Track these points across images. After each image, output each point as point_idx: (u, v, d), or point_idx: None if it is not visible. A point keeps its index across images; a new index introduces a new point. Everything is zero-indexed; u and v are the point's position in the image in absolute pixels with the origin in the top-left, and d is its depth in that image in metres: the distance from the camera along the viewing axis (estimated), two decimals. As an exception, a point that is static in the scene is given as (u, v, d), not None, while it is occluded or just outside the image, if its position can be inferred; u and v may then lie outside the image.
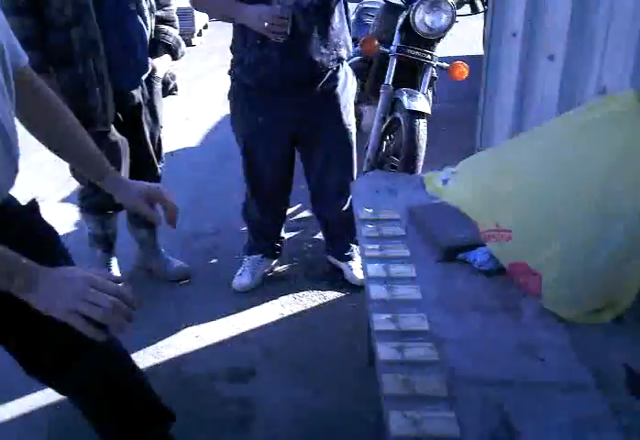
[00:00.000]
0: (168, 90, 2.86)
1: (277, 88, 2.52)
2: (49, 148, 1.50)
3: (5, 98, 1.26)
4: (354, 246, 2.96)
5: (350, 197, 2.53)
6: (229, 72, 2.64)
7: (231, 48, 2.59)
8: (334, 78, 2.59)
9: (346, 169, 2.77)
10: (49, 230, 1.52)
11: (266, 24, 2.23)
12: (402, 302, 1.47)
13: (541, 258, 1.38)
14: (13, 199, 1.41)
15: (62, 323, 1.12)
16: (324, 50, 2.48)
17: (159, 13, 2.66)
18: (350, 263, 2.97)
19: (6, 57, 1.26)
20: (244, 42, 2.48)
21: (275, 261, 3.07)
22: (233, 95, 2.68)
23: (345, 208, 2.82)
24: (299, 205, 3.65)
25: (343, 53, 2.57)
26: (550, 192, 1.38)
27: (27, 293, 1.10)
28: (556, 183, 1.38)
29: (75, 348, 1.49)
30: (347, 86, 2.68)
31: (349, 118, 2.71)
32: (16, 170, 1.34)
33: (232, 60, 2.61)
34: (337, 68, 2.59)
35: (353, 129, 2.75)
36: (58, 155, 1.51)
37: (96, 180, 1.52)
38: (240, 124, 2.70)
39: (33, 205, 1.47)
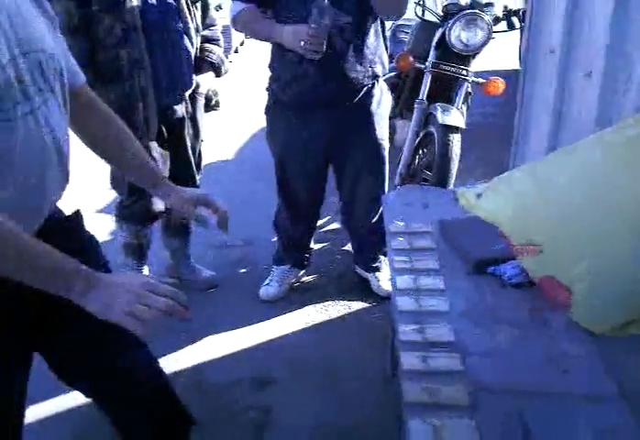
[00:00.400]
0: (210, 105, 2.95)
1: (313, 104, 2.56)
2: (106, 161, 1.58)
3: (63, 116, 1.31)
4: (382, 257, 2.97)
5: (381, 210, 2.58)
6: (267, 89, 2.70)
7: (269, 65, 2.65)
8: (369, 95, 2.62)
9: (377, 183, 2.79)
10: (91, 240, 1.57)
11: (302, 43, 2.28)
12: (429, 313, 1.47)
13: (571, 274, 1.37)
14: (59, 210, 1.45)
15: (101, 328, 1.17)
16: (359, 68, 2.51)
17: (204, 32, 2.76)
18: (377, 274, 2.98)
19: (65, 77, 1.31)
20: (281, 60, 2.53)
21: (303, 272, 3.09)
22: (270, 111, 2.73)
23: (374, 220, 2.83)
24: (328, 217, 3.67)
25: (378, 70, 2.60)
26: (583, 210, 1.37)
27: (84, 298, 1.13)
28: (589, 201, 1.37)
29: (113, 353, 1.53)
30: (382, 102, 2.71)
31: (383, 134, 2.73)
32: (66, 184, 1.39)
33: (270, 77, 2.67)
34: (373, 84, 2.62)
35: (386, 144, 2.77)
36: (114, 166, 1.61)
37: (150, 188, 1.59)
38: (276, 139, 2.75)
39: (77, 216, 1.51)
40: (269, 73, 2.66)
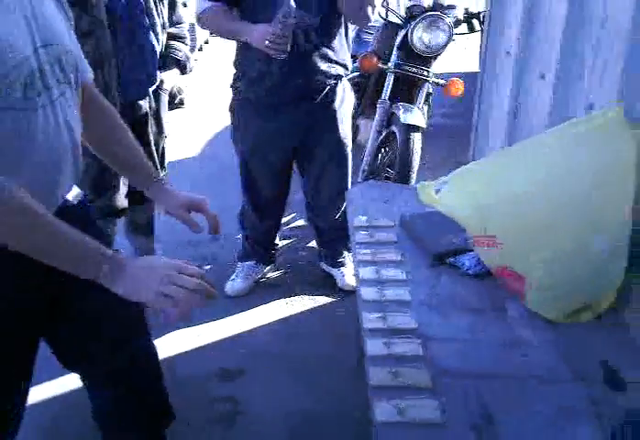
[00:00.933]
0: (175, 103, 2.97)
1: (277, 102, 2.62)
2: (101, 157, 1.58)
3: (77, 109, 1.34)
4: (346, 253, 3.04)
5: (344, 206, 2.61)
6: (232, 86, 2.73)
7: (234, 63, 2.69)
8: (332, 93, 2.68)
9: (340, 179, 2.86)
10: (96, 226, 1.61)
11: (267, 42, 2.32)
12: (392, 302, 1.53)
13: (526, 263, 1.44)
14: (67, 200, 1.46)
15: (107, 315, 1.24)
16: (323, 68, 2.57)
17: (171, 29, 2.78)
18: (342, 270, 3.05)
19: (79, 73, 1.35)
20: (247, 58, 2.58)
21: (268, 267, 3.13)
22: (235, 108, 2.76)
23: (338, 217, 2.91)
24: (294, 214, 3.72)
25: (341, 71, 2.67)
26: (535, 202, 1.44)
27: (113, 281, 1.15)
28: (541, 193, 1.44)
29: (122, 339, 1.58)
30: (345, 101, 2.77)
31: (346, 132, 2.80)
32: (78, 177, 1.41)
33: (235, 75, 2.71)
34: (336, 84, 2.68)
35: (349, 142, 2.84)
36: (107, 162, 1.59)
37: (142, 187, 1.59)
38: (241, 135, 2.79)
39: (84, 202, 1.54)
40: (233, 71, 2.70)
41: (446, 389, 1.22)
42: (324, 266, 3.16)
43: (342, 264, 3.08)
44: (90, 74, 1.48)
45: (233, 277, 3.06)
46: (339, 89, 2.71)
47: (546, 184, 1.46)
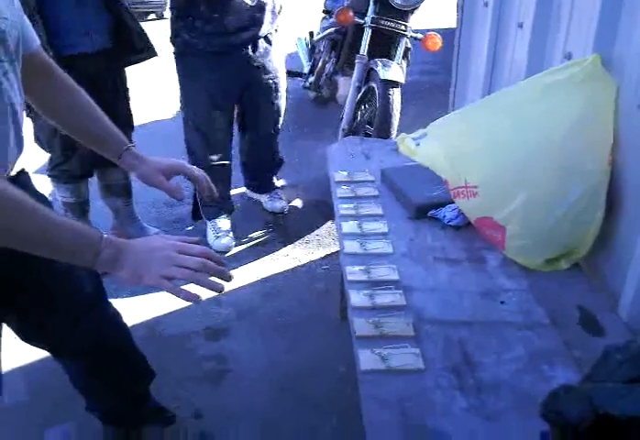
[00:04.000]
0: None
1: (223, 49, 2.78)
2: (63, 129, 1.49)
3: (19, 82, 1.25)
4: (275, 179, 3.36)
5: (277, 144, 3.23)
6: (172, 40, 2.84)
7: (176, 16, 2.78)
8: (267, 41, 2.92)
9: (274, 114, 3.10)
10: (44, 199, 1.51)
11: None
12: (374, 255, 1.54)
13: (505, 212, 1.46)
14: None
15: (72, 283, 1.16)
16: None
17: None
18: (269, 194, 3.34)
19: (21, 44, 1.25)
20: (194, 8, 2.68)
21: (230, 216, 3.20)
22: (181, 57, 2.85)
23: (271, 150, 3.26)
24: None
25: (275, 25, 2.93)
26: (513, 150, 1.45)
27: (113, 267, 1.10)
28: (518, 141, 1.45)
29: (85, 306, 1.56)
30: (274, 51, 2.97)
31: (278, 71, 3.00)
32: (20, 153, 1.34)
33: (176, 29, 2.79)
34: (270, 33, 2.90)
35: (283, 81, 3.07)
36: (72, 135, 1.50)
37: (113, 158, 1.48)
38: (191, 80, 2.87)
39: (24, 175, 1.45)
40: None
41: (427, 336, 1.25)
42: (249, 193, 3.45)
43: (269, 189, 3.35)
44: (36, 40, 1.36)
45: (215, 234, 3.06)
46: (273, 38, 2.95)
47: (524, 132, 1.46)
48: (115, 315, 1.73)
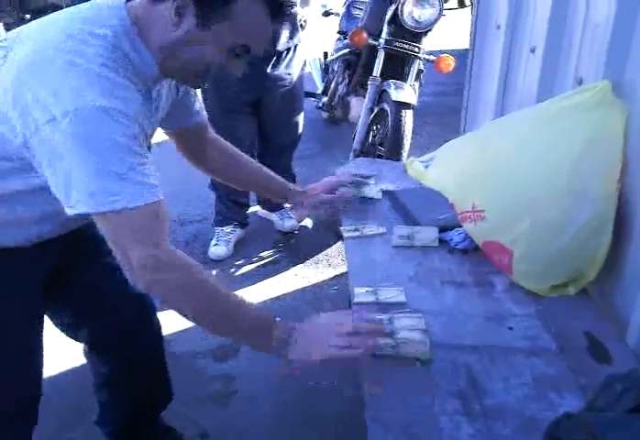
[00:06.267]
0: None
1: None
2: (232, 184, 1.77)
3: None
4: None
5: (291, 159, 3.30)
6: None
7: None
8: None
9: (292, 127, 3.19)
10: None
11: None
12: (381, 277, 1.54)
13: (512, 236, 1.45)
14: None
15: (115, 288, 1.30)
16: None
17: None
18: (281, 212, 3.35)
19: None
20: None
21: (244, 231, 3.26)
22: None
23: (285, 164, 3.28)
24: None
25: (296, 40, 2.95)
26: (521, 174, 1.45)
27: (285, 350, 1.21)
28: (526, 165, 1.45)
29: (134, 308, 1.64)
30: (294, 62, 3.02)
31: (297, 84, 3.07)
32: None
33: None
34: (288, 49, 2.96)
35: (301, 94, 3.18)
36: (240, 188, 1.87)
37: (279, 199, 1.79)
38: (210, 99, 2.89)
39: None
40: None
41: (435, 360, 1.24)
42: (260, 213, 3.45)
43: (281, 207, 3.34)
44: (204, 116, 1.58)
45: (214, 242, 3.15)
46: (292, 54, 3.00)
47: (532, 156, 1.47)
48: (160, 328, 1.77)
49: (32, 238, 1.32)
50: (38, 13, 2.46)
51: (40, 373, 1.50)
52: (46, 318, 1.54)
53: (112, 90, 1.07)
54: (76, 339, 1.69)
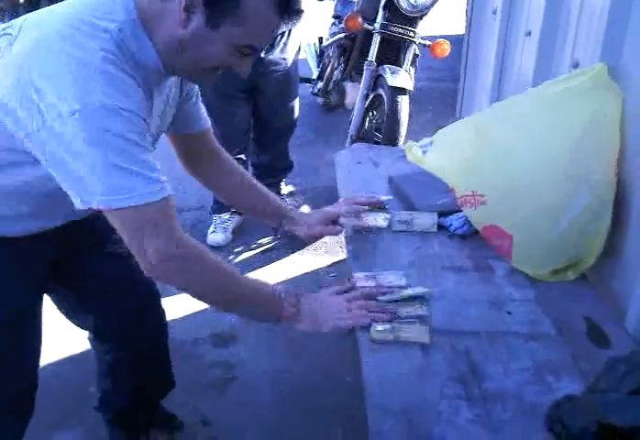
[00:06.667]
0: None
1: None
2: (229, 203, 1.80)
3: None
4: (282, 184, 3.44)
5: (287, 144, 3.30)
6: None
7: None
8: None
9: (286, 109, 3.16)
10: None
11: None
12: (381, 262, 1.54)
13: (511, 220, 1.46)
14: None
15: (132, 270, 1.27)
16: None
17: None
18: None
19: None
20: None
21: (241, 217, 3.24)
22: None
23: (282, 148, 3.32)
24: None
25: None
26: (520, 158, 1.45)
27: (294, 320, 1.33)
28: (526, 150, 1.45)
29: (142, 296, 1.66)
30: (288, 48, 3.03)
31: (291, 68, 3.05)
32: None
33: None
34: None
35: (296, 79, 3.17)
36: (237, 208, 1.85)
37: (273, 224, 1.71)
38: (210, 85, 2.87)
39: None
40: None
41: (433, 345, 1.25)
42: None
43: (278, 194, 3.25)
44: (208, 122, 1.55)
45: (212, 229, 3.16)
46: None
47: (531, 140, 1.47)
48: (164, 317, 1.79)
49: (31, 230, 1.32)
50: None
51: (36, 364, 1.50)
52: (49, 306, 1.55)
53: (115, 86, 1.07)
54: (82, 327, 1.70)
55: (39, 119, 1.05)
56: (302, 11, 1.18)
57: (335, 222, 1.65)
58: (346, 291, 1.40)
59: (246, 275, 1.35)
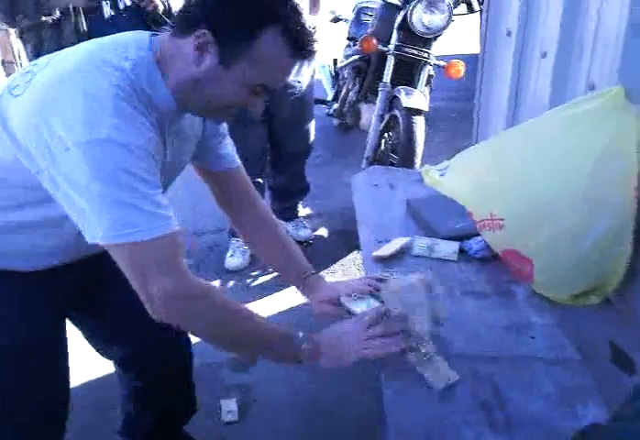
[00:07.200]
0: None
1: None
2: (254, 251, 1.71)
3: None
4: (300, 206, 3.43)
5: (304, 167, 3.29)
6: None
7: None
8: None
9: (302, 133, 3.17)
10: None
11: None
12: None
13: (531, 245, 1.45)
14: None
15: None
16: None
17: None
18: (295, 222, 3.36)
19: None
20: None
21: None
22: None
23: (298, 172, 3.31)
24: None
25: None
26: (539, 183, 1.45)
27: (315, 359, 1.29)
28: (545, 173, 1.45)
29: (169, 336, 1.59)
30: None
31: (306, 90, 3.04)
32: None
33: None
34: None
35: (311, 100, 3.17)
36: (261, 257, 1.71)
37: (296, 283, 1.59)
38: None
39: None
40: None
41: (457, 370, 1.24)
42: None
43: (295, 216, 3.36)
44: (237, 162, 1.54)
45: (230, 253, 3.15)
46: None
47: (549, 164, 1.47)
48: (189, 346, 1.79)
49: (50, 265, 1.33)
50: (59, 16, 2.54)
51: (63, 389, 1.51)
52: (74, 335, 1.57)
53: (125, 121, 1.07)
54: (107, 356, 1.71)
55: (48, 154, 1.06)
56: (315, 52, 1.18)
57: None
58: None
59: (261, 317, 1.28)
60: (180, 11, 1.18)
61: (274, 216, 1.61)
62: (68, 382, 1.51)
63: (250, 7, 1.11)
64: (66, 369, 1.50)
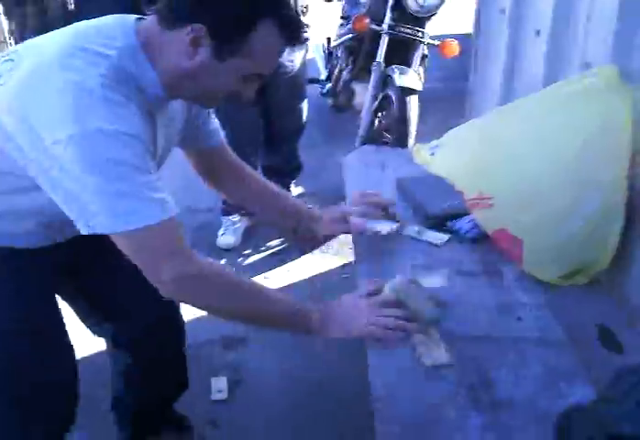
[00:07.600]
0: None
1: None
2: (253, 211, 1.81)
3: None
4: (292, 186, 3.44)
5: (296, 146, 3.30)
6: None
7: None
8: None
9: (295, 112, 3.19)
10: None
11: None
12: (389, 266, 1.53)
13: (521, 224, 1.44)
14: None
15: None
16: None
17: None
18: None
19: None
20: None
21: (252, 219, 3.23)
22: None
23: (291, 149, 3.33)
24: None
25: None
26: (529, 161, 1.44)
27: (324, 330, 1.30)
28: (535, 152, 1.44)
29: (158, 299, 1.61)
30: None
31: (299, 69, 3.01)
32: None
33: None
34: None
35: (304, 80, 3.17)
36: (256, 214, 1.81)
37: (296, 224, 1.67)
38: None
39: None
40: None
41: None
42: None
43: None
44: (220, 137, 1.54)
45: (222, 231, 3.15)
46: None
47: (540, 143, 1.45)
48: (183, 326, 1.79)
49: (41, 243, 1.33)
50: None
51: (70, 359, 1.50)
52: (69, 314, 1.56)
53: (113, 110, 1.07)
54: (99, 334, 1.70)
55: (39, 146, 1.05)
56: (307, 39, 1.21)
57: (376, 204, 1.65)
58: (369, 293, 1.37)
59: (271, 289, 1.33)
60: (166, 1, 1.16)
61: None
62: (74, 362, 1.50)
63: (245, 1, 1.11)
64: (70, 348, 1.49)
